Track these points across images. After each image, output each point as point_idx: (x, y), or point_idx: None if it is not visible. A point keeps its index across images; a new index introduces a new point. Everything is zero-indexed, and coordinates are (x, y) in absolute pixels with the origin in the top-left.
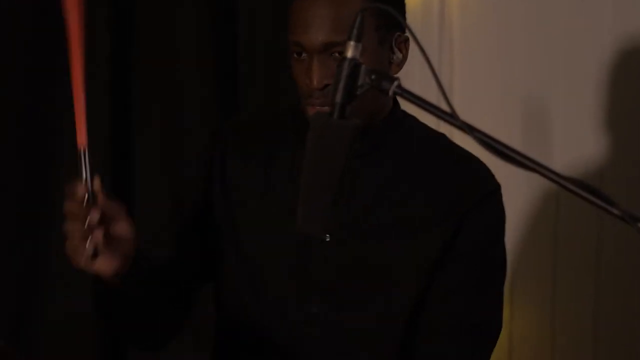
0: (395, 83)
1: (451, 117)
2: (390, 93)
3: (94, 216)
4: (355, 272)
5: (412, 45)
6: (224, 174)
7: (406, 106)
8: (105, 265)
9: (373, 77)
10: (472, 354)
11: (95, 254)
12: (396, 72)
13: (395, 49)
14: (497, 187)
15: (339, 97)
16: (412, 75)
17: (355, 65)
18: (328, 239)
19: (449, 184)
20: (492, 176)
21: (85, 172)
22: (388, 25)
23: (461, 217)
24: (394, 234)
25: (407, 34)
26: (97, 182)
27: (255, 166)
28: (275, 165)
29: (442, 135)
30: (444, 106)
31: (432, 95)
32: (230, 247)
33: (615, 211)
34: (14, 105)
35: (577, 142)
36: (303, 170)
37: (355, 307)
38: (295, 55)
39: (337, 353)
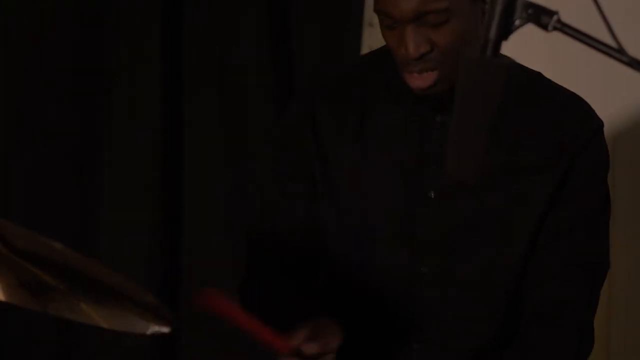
0: (555, 17)
1: (619, 53)
2: (550, 28)
3: None
4: (463, 227)
5: None
6: (317, 144)
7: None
8: None
9: (530, 11)
10: (589, 292)
11: None
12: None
13: None
14: (601, 123)
15: (493, 34)
16: None
17: None
18: (433, 196)
19: (554, 125)
20: (595, 113)
21: None
22: None
23: (570, 158)
24: (501, 184)
25: None
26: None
27: (349, 130)
28: (368, 125)
29: (539, 74)
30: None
31: None
32: (332, 217)
33: None
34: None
35: None
36: (455, 112)
37: (465, 262)
38: (386, 27)
39: (450, 309)
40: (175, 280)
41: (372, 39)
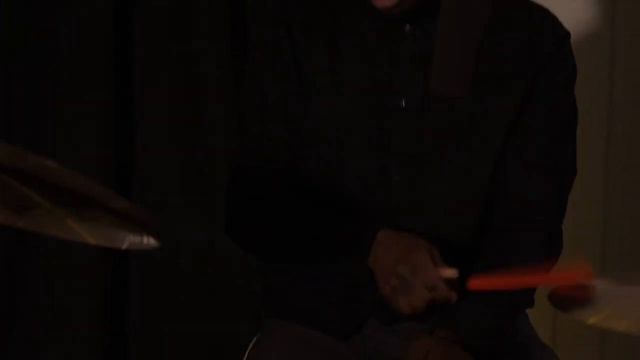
0: None
1: None
2: None
3: None
4: (433, 135)
5: None
6: (292, 50)
7: None
8: None
9: None
10: (556, 197)
11: None
12: None
13: None
14: (568, 33)
15: None
16: None
17: None
18: (404, 105)
19: (521, 36)
20: (561, 24)
21: None
22: None
23: (537, 67)
24: (473, 93)
25: None
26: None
27: (322, 41)
28: (340, 36)
29: None
30: None
31: None
32: (307, 124)
33: None
34: None
35: None
36: (441, 29)
37: (437, 172)
38: None
39: (421, 219)
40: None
41: None
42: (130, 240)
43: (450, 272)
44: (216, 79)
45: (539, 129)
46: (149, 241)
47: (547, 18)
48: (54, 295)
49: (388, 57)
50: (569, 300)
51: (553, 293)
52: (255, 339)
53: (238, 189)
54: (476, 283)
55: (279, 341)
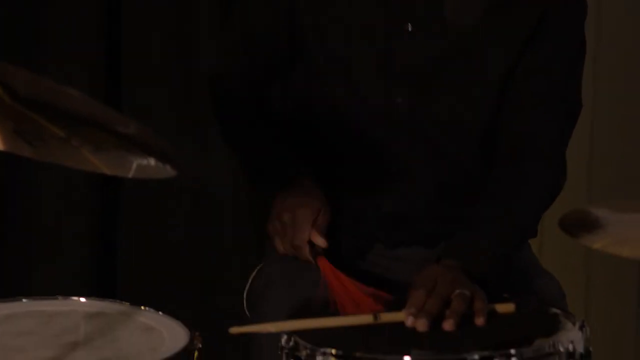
0: None
1: None
2: None
3: None
4: (438, 60)
5: None
6: None
7: None
8: None
9: None
10: (562, 128)
11: None
12: None
13: None
14: None
15: None
16: None
17: None
18: (410, 29)
19: None
20: None
21: None
22: None
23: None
24: (481, 19)
25: None
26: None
27: None
28: None
29: None
30: None
31: None
32: (317, 47)
33: None
34: None
35: None
36: None
37: (439, 94)
38: None
39: (422, 142)
40: None
41: None
42: (138, 164)
43: (320, 241)
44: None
45: (548, 62)
46: (159, 165)
47: None
48: (46, 215)
49: None
50: (577, 225)
51: (563, 220)
52: (256, 270)
53: (213, 94)
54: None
55: (278, 267)
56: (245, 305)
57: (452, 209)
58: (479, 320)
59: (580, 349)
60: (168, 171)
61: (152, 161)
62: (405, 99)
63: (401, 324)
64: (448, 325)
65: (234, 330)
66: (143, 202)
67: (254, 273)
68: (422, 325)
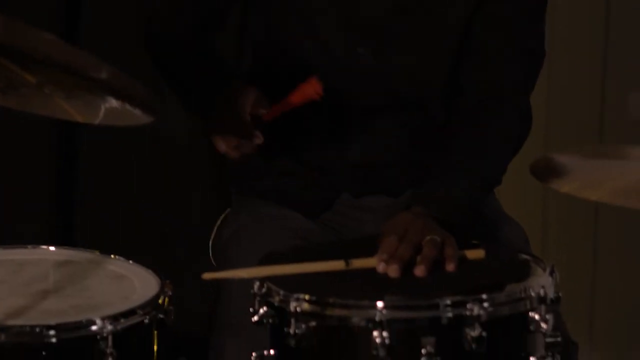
0: None
1: None
2: None
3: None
4: (399, 11)
5: None
6: None
7: None
8: None
9: None
10: (525, 77)
11: None
12: None
13: None
14: None
15: None
16: None
17: None
18: None
19: None
20: None
21: None
22: None
23: None
24: None
25: None
26: None
27: None
28: None
29: None
30: None
31: None
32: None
33: None
34: None
35: None
36: None
37: (402, 45)
38: None
39: (385, 92)
40: None
41: None
42: (111, 109)
43: (262, 111)
44: None
45: (509, 12)
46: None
47: None
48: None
49: None
50: (547, 171)
51: (534, 166)
52: (224, 214)
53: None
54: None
55: (248, 217)
56: (211, 253)
57: (416, 156)
58: (450, 266)
59: (550, 294)
60: (146, 117)
61: (128, 107)
62: (367, 49)
63: (373, 270)
64: (419, 271)
65: (207, 275)
66: (101, 151)
67: (219, 221)
68: (393, 270)
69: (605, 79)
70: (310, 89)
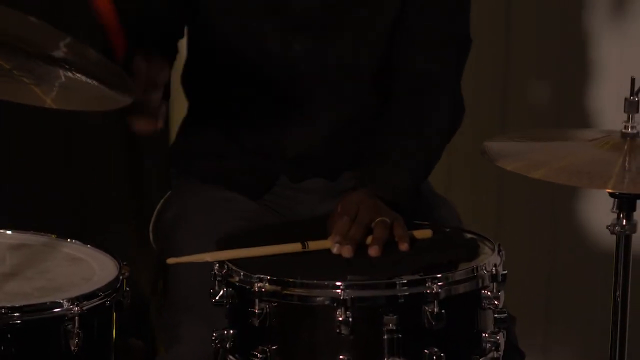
0: None
1: None
2: None
3: None
4: (332, 7)
5: None
6: None
7: None
8: None
9: None
10: (455, 64)
11: None
12: None
13: None
14: None
15: None
16: None
17: None
18: None
19: None
20: None
21: None
22: None
23: None
24: None
25: None
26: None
27: None
28: None
29: None
30: None
31: None
32: None
33: None
34: None
35: None
36: None
37: (336, 40)
38: None
39: (320, 86)
40: None
41: None
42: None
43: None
44: None
45: (434, 2)
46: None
47: None
48: None
49: None
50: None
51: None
52: (166, 195)
53: None
54: None
55: (190, 199)
56: (151, 237)
57: (351, 143)
58: (403, 246)
59: (501, 271)
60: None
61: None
62: (302, 46)
63: (329, 252)
64: (373, 251)
65: (172, 260)
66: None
67: (159, 205)
68: (346, 251)
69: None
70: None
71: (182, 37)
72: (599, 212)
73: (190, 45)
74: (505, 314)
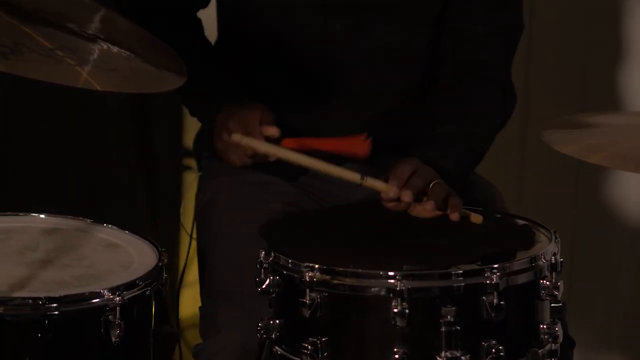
0: None
1: None
2: None
3: None
4: None
5: None
6: None
7: None
8: None
9: None
10: (506, 53)
11: None
12: None
13: None
14: None
15: None
16: None
17: None
18: None
19: None
20: None
21: None
22: None
23: None
24: None
25: None
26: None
27: None
28: None
29: None
30: None
31: None
32: None
33: None
34: None
35: None
36: None
37: (377, 23)
38: None
39: (362, 70)
40: None
41: None
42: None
43: (272, 131)
44: None
45: None
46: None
47: None
48: None
49: None
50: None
51: (544, 131)
52: (198, 176)
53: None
54: (289, 142)
55: (225, 181)
56: (182, 219)
57: (392, 132)
58: (454, 215)
59: (559, 260)
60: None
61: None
62: (343, 26)
63: (381, 236)
64: (429, 207)
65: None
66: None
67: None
68: (406, 195)
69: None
70: (359, 147)
71: (204, 6)
72: None
73: (220, 24)
74: (561, 304)
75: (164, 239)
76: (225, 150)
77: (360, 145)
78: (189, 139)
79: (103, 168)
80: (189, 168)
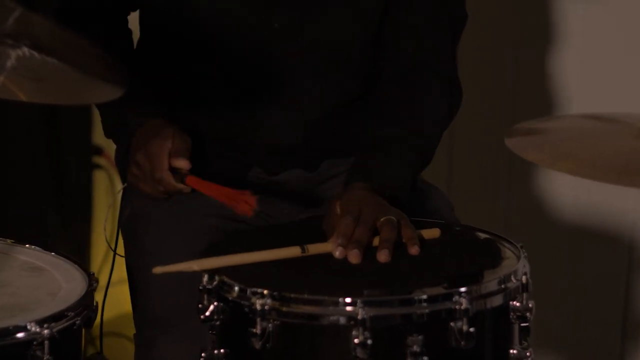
0: None
1: None
2: None
3: None
4: None
5: None
6: None
7: None
8: None
9: None
10: (451, 43)
11: None
12: None
13: None
14: None
15: None
16: None
17: None
18: None
19: None
20: None
21: None
22: None
23: None
24: None
25: None
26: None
27: None
28: None
29: None
30: None
31: None
32: None
33: None
34: None
35: None
36: None
37: (319, 15)
38: None
39: (301, 69)
40: None
41: None
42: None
43: (182, 163)
44: None
45: None
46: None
47: None
48: None
49: None
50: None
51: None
52: (120, 190)
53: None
54: (192, 180)
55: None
56: (106, 235)
57: (334, 133)
58: (413, 249)
59: (529, 278)
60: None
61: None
62: (283, 23)
63: (331, 257)
64: (383, 256)
65: (158, 270)
66: None
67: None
68: (354, 256)
69: None
70: (244, 205)
71: (134, 8)
72: None
73: (143, 25)
74: (528, 324)
75: (74, 239)
76: (136, 183)
77: (245, 203)
78: (98, 137)
79: (6, 168)
80: (98, 166)
